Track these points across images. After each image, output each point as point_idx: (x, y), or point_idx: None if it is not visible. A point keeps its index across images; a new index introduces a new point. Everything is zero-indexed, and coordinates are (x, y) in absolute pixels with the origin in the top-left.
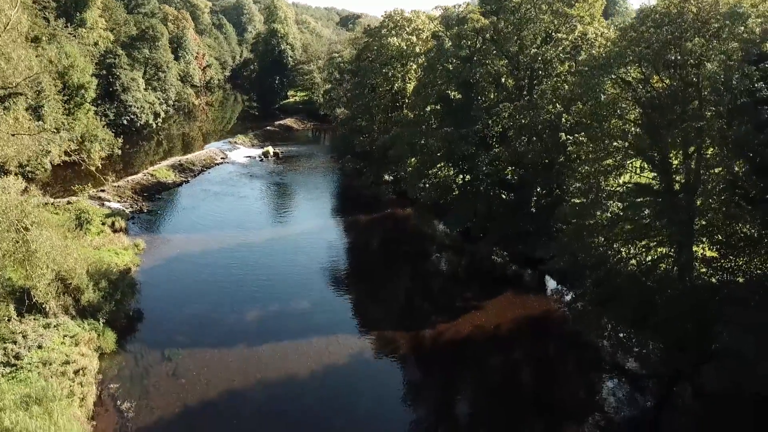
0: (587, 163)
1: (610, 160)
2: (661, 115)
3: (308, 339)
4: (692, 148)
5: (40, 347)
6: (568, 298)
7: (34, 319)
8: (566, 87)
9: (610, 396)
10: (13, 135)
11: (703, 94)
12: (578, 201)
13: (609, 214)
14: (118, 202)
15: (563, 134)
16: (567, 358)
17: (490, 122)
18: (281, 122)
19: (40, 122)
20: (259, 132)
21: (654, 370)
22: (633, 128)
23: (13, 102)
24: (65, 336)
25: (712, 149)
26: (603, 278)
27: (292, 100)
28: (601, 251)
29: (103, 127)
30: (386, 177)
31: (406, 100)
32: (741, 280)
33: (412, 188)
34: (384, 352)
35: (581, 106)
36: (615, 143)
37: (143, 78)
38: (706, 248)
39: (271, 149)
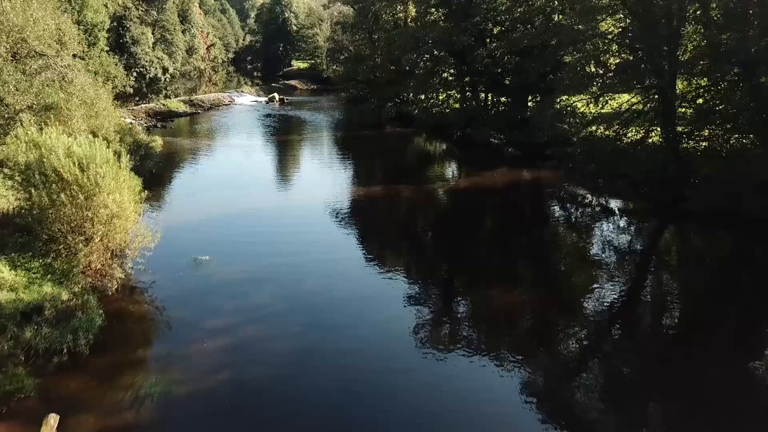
0: (578, 17)
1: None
2: None
3: (316, 193)
4: None
5: None
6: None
7: None
8: None
9: (599, 232)
10: None
11: None
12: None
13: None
14: (133, 119)
15: (556, 16)
16: (559, 208)
17: (488, 19)
18: (285, 82)
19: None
20: (264, 87)
21: (639, 205)
22: None
23: None
24: None
25: None
26: (589, 138)
27: (295, 67)
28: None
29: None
30: (389, 104)
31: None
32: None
33: (418, 90)
34: (385, 199)
35: None
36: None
37: (153, 35)
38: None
39: (276, 95)
